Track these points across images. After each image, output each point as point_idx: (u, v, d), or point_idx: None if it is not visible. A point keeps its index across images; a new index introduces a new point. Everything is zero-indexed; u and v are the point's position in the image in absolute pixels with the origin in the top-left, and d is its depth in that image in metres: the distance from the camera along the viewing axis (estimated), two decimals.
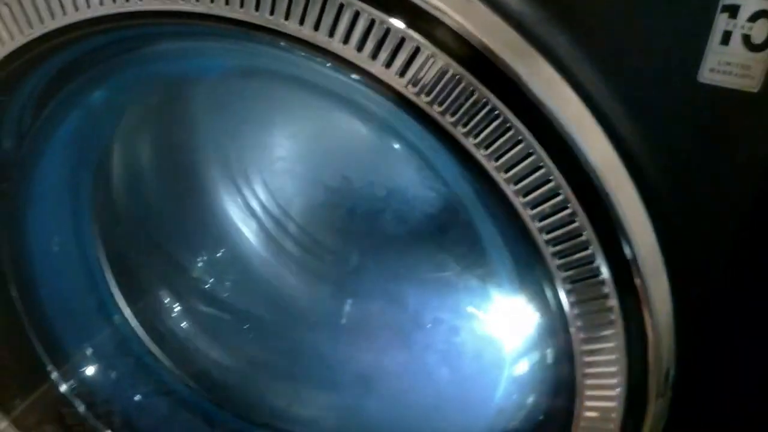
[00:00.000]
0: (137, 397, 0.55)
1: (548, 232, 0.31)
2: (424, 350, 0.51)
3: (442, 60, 0.29)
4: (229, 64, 0.43)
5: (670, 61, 0.30)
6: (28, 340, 0.50)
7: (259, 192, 0.56)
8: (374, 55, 0.29)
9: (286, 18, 0.30)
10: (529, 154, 0.29)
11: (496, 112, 0.29)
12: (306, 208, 0.55)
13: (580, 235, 0.31)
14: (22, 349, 0.50)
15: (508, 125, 0.29)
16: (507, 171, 0.30)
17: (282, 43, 0.31)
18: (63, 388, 0.52)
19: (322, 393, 0.55)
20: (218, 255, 0.57)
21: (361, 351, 0.54)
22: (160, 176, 0.53)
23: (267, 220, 0.56)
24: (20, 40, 0.35)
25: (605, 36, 0.30)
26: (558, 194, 0.30)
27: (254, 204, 0.56)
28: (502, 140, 0.29)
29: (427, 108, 0.30)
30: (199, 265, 0.57)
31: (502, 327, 0.45)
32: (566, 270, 0.32)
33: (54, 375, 0.52)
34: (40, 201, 0.48)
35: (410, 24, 0.29)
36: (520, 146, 0.29)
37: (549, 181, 0.30)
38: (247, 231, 0.57)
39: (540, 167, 0.29)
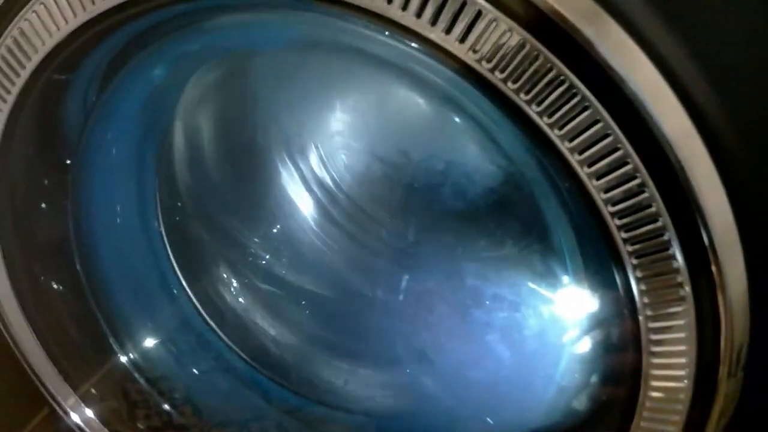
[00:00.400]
0: (197, 373, 0.56)
1: (614, 204, 0.30)
2: (483, 327, 0.51)
3: (504, 24, 0.28)
4: (289, 37, 0.43)
5: (751, 23, 0.28)
6: (94, 316, 0.51)
7: (317, 167, 0.55)
8: (434, 21, 0.28)
9: None
10: (596, 122, 0.28)
11: (562, 78, 0.28)
12: (363, 183, 0.55)
13: (650, 206, 0.29)
14: (89, 325, 0.52)
15: (574, 91, 0.28)
16: (572, 140, 0.29)
17: (339, 11, 0.30)
18: (127, 363, 0.53)
19: (378, 370, 0.55)
20: (275, 231, 0.57)
21: (419, 328, 0.54)
22: (218, 151, 0.54)
23: (323, 196, 0.56)
24: (83, 17, 0.35)
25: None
26: (626, 164, 0.29)
27: (311, 179, 0.56)
28: (567, 107, 0.28)
29: (488, 75, 0.29)
30: (256, 240, 0.57)
31: (564, 304, 0.44)
32: (633, 244, 0.30)
33: (118, 350, 0.53)
34: (104, 175, 0.49)
35: None
36: (586, 113, 0.28)
37: (617, 149, 0.28)
38: (304, 207, 0.57)
39: (607, 135, 0.28)
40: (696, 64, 0.28)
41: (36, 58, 0.38)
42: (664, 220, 0.30)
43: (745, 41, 0.29)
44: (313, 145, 0.55)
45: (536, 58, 0.28)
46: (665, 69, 0.28)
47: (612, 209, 0.30)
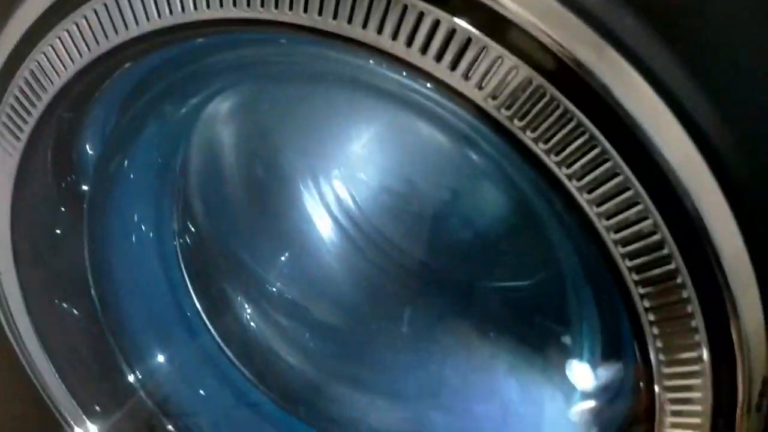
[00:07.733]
0: (221, 411, 0.56)
1: (625, 245, 0.29)
2: (490, 359, 0.50)
3: (524, 71, 0.28)
4: (294, 71, 0.43)
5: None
6: (111, 349, 0.51)
7: (329, 198, 0.55)
8: (453, 66, 0.29)
9: (364, 26, 0.29)
10: (616, 174, 0.28)
11: (582, 129, 0.28)
12: (378, 212, 0.54)
13: (662, 247, 0.29)
14: (108, 363, 0.52)
15: (594, 143, 0.28)
16: (590, 192, 0.29)
17: (356, 52, 0.30)
18: (150, 401, 0.53)
19: (388, 404, 0.55)
20: (289, 262, 0.57)
21: (426, 361, 0.54)
22: (231, 183, 0.54)
23: (336, 228, 0.56)
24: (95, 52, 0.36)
25: (701, 43, 0.28)
26: (637, 203, 0.28)
27: (330, 207, 0.55)
28: (586, 159, 0.28)
29: (506, 122, 0.29)
30: (271, 272, 0.57)
31: (576, 343, 0.44)
32: (645, 287, 0.30)
33: (140, 388, 0.53)
34: (121, 201, 0.49)
35: (489, 32, 0.28)
36: (606, 165, 0.28)
37: (636, 203, 0.28)
38: (324, 234, 0.56)
39: (617, 174, 0.28)
40: (712, 103, 0.28)
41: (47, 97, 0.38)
42: (677, 261, 0.30)
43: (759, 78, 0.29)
44: (323, 177, 0.54)
45: (542, 95, 0.28)
46: (688, 124, 0.28)
47: (622, 250, 0.30)
